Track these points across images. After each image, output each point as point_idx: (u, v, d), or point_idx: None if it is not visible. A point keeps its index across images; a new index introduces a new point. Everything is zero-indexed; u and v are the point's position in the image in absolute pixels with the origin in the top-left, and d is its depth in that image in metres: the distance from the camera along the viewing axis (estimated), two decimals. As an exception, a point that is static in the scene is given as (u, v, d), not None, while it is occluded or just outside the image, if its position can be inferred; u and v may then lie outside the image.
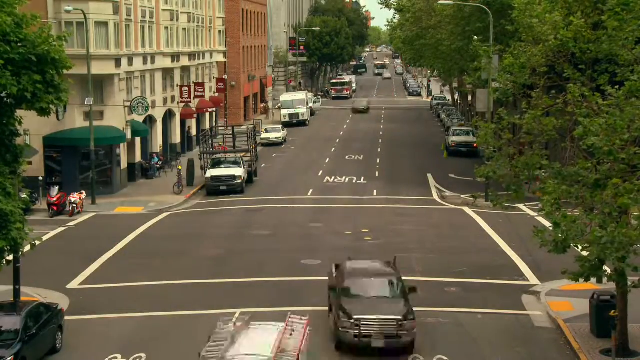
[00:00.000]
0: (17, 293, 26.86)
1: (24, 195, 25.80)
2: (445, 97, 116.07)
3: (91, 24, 47.28)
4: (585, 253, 21.48)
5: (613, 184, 20.45)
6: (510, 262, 34.21)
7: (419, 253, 35.69)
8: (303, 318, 20.61)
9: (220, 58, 79.88)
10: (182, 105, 64.53)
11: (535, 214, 39.98)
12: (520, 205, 43.38)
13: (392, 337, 22.49)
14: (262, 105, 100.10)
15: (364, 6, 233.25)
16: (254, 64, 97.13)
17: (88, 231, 41.14)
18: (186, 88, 63.88)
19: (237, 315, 27.15)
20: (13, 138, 23.51)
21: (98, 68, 48.03)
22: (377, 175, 57.97)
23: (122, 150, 52.13)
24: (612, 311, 23.39)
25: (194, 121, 69.87)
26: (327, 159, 65.49)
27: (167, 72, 62.47)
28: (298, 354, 18.58)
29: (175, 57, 63.10)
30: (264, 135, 75.67)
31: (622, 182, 20.50)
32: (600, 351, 23.61)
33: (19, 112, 23.68)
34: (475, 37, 46.86)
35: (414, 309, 24.11)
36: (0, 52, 21.65)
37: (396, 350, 22.84)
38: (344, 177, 56.79)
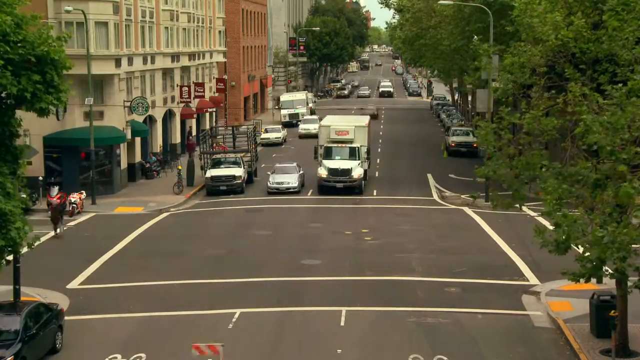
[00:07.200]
0: (17, 293, 26.84)
1: (23, 195, 25.76)
2: (445, 97, 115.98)
3: (91, 24, 47.26)
4: (585, 252, 21.43)
5: (618, 172, 20.39)
6: (510, 262, 34.18)
7: (419, 253, 35.67)
8: None
9: (220, 58, 79.83)
10: (182, 105, 64.50)
11: (535, 214, 39.93)
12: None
13: None
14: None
15: (364, 6, 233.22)
16: (254, 64, 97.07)
17: (88, 231, 41.13)
18: (186, 88, 63.80)
19: (236, 315, 27.16)
20: (13, 138, 23.50)
21: (98, 68, 48.01)
22: (377, 175, 57.91)
23: (122, 150, 52.11)
24: (612, 311, 23.38)
25: (194, 121, 69.83)
26: (327, 159, 65.28)
27: (167, 72, 62.42)
28: None
29: (175, 57, 63.07)
30: (264, 135, 75.68)
31: (622, 178, 20.51)
32: (600, 351, 23.61)
33: (19, 113, 23.67)
34: (475, 37, 46.79)
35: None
36: (0, 52, 21.64)
37: None
38: (344, 177, 56.65)
